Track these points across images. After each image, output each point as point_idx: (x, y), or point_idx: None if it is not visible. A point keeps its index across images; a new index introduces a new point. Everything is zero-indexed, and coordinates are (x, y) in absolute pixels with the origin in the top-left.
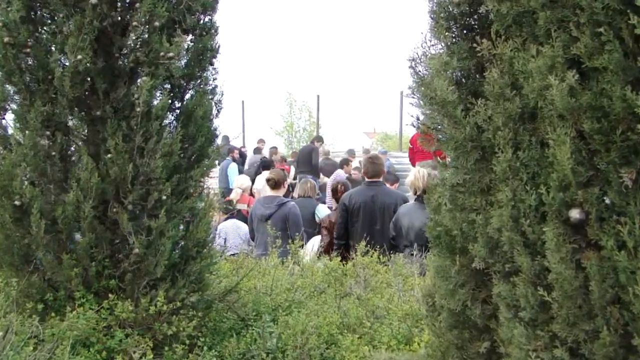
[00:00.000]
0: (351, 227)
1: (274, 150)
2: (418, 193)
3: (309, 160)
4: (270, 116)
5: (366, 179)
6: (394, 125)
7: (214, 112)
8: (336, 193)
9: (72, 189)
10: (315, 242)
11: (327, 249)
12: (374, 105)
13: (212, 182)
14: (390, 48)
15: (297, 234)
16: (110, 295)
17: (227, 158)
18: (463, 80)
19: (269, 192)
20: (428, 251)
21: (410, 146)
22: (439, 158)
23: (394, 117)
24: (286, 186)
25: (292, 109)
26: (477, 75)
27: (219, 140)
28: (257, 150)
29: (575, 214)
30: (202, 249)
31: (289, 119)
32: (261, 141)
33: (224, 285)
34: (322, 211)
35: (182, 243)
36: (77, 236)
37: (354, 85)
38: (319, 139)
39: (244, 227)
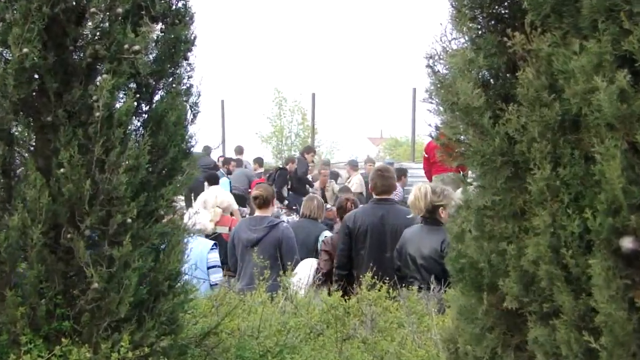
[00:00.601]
0: (356, 254)
1: (238, 149)
2: (421, 215)
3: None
4: (255, 119)
5: (374, 196)
6: (404, 129)
7: (189, 116)
8: (344, 212)
9: (17, 210)
10: (312, 266)
11: (327, 278)
12: (381, 106)
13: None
14: (399, 39)
15: (289, 263)
16: (63, 339)
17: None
18: (491, 81)
19: (245, 211)
20: (443, 285)
21: (426, 155)
22: (462, 174)
23: (404, 119)
24: (274, 204)
25: (282, 110)
26: (508, 76)
27: (196, 150)
28: (238, 163)
29: (627, 243)
30: (175, 283)
31: (278, 123)
32: (239, 150)
33: (201, 327)
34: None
35: (151, 276)
36: (23, 268)
37: (356, 83)
38: (309, 150)
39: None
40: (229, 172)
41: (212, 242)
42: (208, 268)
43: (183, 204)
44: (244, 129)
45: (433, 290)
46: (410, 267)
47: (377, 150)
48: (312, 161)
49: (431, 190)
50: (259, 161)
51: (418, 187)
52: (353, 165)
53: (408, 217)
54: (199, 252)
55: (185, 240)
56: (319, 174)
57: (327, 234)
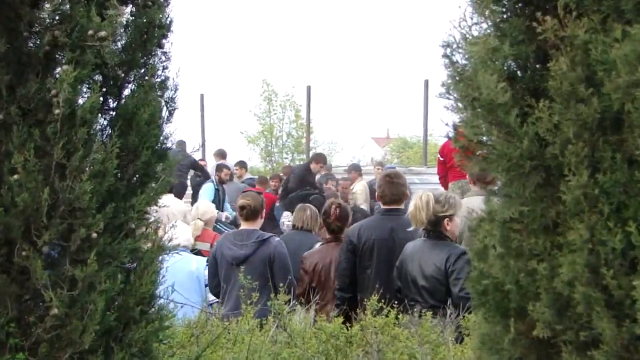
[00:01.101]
0: (360, 274)
1: (220, 152)
2: (423, 227)
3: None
4: (240, 117)
5: (381, 206)
6: (415, 128)
7: (165, 113)
8: (328, 217)
9: None
10: None
11: (307, 300)
12: (387, 102)
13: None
14: (409, 24)
15: (281, 284)
16: None
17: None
18: (518, 73)
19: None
20: (446, 310)
21: (441, 158)
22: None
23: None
24: (263, 215)
25: (272, 106)
26: (538, 67)
27: (172, 152)
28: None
29: None
30: (149, 308)
31: (267, 121)
32: (220, 154)
33: (179, 359)
34: None
35: (120, 300)
36: None
37: (358, 75)
38: (319, 158)
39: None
40: (221, 182)
41: (203, 257)
42: (206, 285)
43: (158, 215)
44: (227, 127)
45: (450, 315)
46: (411, 289)
47: (383, 152)
48: (319, 172)
49: (434, 199)
50: (243, 165)
51: (419, 195)
52: (356, 170)
53: (408, 230)
54: (188, 271)
55: (161, 257)
56: (335, 185)
57: None
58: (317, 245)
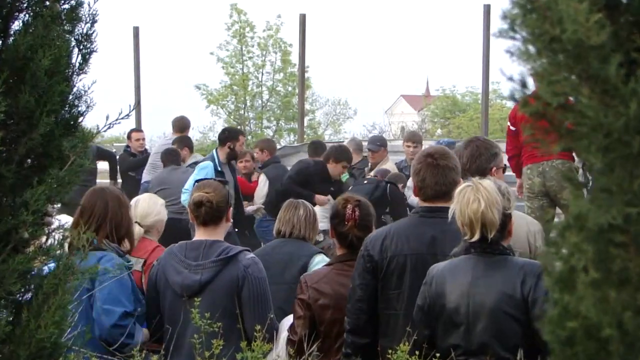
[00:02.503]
0: (384, 308)
1: (180, 123)
2: (474, 239)
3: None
4: (196, 62)
5: (419, 203)
6: (470, 80)
7: (77, 59)
8: (341, 221)
9: None
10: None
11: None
12: (424, 40)
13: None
14: None
15: (258, 326)
16: None
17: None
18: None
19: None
20: None
21: (512, 128)
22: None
23: (468, 63)
24: (229, 217)
25: (246, 47)
26: None
27: (89, 121)
28: (171, 155)
29: None
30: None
31: (237, 69)
32: (180, 125)
33: None
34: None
35: (6, 351)
36: None
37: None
38: (342, 155)
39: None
40: (231, 157)
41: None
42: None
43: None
44: (175, 80)
45: None
46: (457, 334)
47: (418, 117)
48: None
49: (496, 189)
50: (186, 143)
51: (478, 184)
52: (356, 147)
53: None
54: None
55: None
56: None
57: (320, 261)
58: (320, 265)
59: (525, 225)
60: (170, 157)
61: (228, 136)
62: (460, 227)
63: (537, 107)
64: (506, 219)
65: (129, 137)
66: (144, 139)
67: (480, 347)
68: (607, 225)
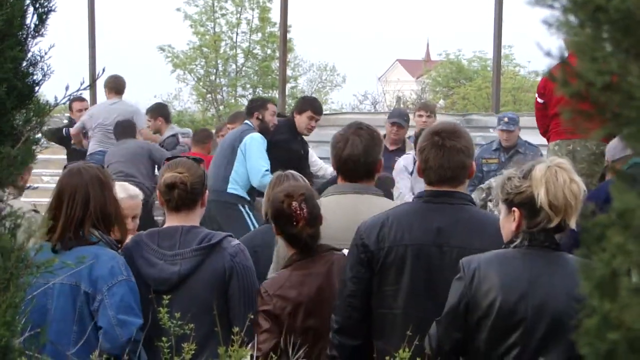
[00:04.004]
0: (380, 306)
1: (157, 110)
2: (570, 224)
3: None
4: (161, 23)
5: (425, 187)
6: (479, 43)
7: (31, 21)
8: (287, 220)
9: None
10: None
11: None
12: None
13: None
14: None
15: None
16: None
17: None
18: None
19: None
20: None
21: (540, 101)
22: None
23: (477, 23)
24: (205, 201)
25: (217, 1)
26: None
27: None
28: (125, 131)
29: None
30: None
31: (207, 28)
32: (157, 111)
33: None
34: None
35: None
36: None
37: None
38: (312, 105)
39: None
40: (264, 130)
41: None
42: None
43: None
44: (134, 40)
45: None
46: (507, 339)
47: (417, 86)
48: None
49: (570, 176)
50: (161, 112)
51: (559, 167)
52: (403, 117)
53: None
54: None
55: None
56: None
57: None
58: (276, 272)
59: None
60: (124, 130)
61: (255, 106)
62: (546, 210)
63: (578, 87)
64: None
65: (70, 107)
66: (86, 109)
67: (537, 353)
68: None
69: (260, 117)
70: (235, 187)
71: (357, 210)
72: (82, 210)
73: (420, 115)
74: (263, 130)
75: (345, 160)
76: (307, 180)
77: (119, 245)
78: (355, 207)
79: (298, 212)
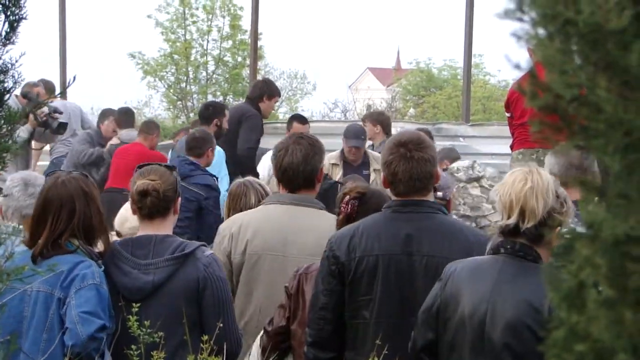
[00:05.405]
0: (352, 317)
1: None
2: (510, 221)
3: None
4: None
5: (392, 196)
6: (449, 51)
7: (2, 28)
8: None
9: None
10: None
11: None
12: (395, 3)
13: None
14: None
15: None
16: None
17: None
18: None
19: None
20: None
21: (507, 114)
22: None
23: (448, 32)
24: (178, 209)
25: (188, 7)
26: None
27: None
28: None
29: None
30: None
31: (179, 35)
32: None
33: None
34: None
35: None
36: None
37: None
38: (271, 90)
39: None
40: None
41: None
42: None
43: None
44: (105, 46)
45: None
46: (472, 348)
47: (387, 95)
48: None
49: (553, 183)
50: (127, 117)
51: (527, 170)
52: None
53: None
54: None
55: None
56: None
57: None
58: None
59: None
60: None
61: (214, 112)
62: (499, 210)
63: (546, 100)
64: (552, 223)
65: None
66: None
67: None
68: (624, 236)
69: (219, 123)
70: None
71: (289, 222)
72: (65, 225)
73: (366, 126)
74: (219, 136)
75: (285, 168)
76: (265, 187)
77: (101, 257)
78: (289, 218)
79: (344, 205)
